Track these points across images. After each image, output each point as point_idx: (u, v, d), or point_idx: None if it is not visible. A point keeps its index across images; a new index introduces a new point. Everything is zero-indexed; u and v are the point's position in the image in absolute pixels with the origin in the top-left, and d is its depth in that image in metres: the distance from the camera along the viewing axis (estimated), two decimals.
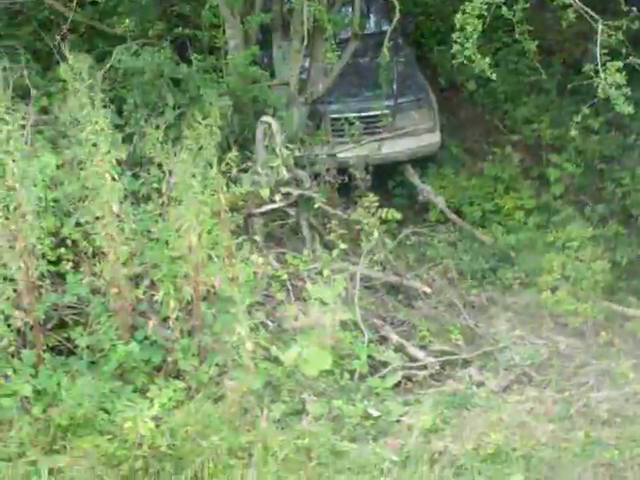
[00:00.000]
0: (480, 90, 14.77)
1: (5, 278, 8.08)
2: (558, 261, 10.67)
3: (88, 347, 8.31)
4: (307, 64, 12.63)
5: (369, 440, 7.89)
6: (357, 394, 8.51)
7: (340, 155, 12.16)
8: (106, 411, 7.79)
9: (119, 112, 10.94)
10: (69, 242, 8.82)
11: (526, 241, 12.28)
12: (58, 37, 11.22)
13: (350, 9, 13.30)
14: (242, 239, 9.57)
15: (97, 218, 8.24)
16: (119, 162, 8.53)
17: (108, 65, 11.28)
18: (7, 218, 8.02)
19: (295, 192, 10.86)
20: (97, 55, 11.88)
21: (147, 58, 11.25)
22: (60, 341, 8.49)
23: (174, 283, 8.33)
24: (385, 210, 10.51)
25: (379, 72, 12.44)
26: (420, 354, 9.50)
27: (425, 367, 9.32)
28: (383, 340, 9.65)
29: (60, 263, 8.77)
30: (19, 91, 10.54)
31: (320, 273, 9.70)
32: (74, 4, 11.88)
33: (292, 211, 10.96)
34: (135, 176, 9.85)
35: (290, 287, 9.84)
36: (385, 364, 9.16)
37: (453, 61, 10.40)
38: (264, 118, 11.16)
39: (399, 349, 9.48)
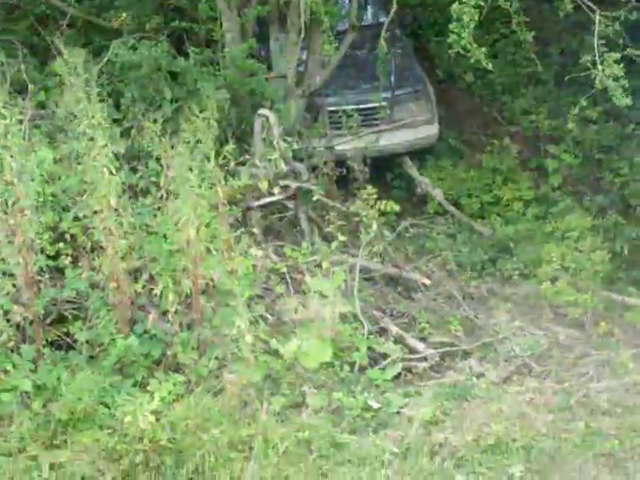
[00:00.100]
0: (478, 82, 14.77)
1: (4, 273, 8.09)
2: (557, 252, 10.66)
3: (87, 341, 8.32)
4: (304, 56, 12.62)
5: (369, 432, 7.90)
6: (357, 386, 8.51)
7: (338, 147, 12.16)
8: (106, 405, 7.79)
9: (117, 106, 10.94)
10: (68, 237, 8.83)
11: (525, 232, 12.26)
12: (58, 32, 11.22)
13: (347, 1, 13.29)
14: (241, 232, 9.57)
15: (95, 212, 8.23)
16: (117, 156, 8.52)
17: (105, 59, 11.28)
18: (6, 213, 8.02)
19: (293, 185, 10.85)
20: (94, 49, 11.87)
21: (144, 52, 11.24)
22: (59, 336, 8.48)
23: (173, 277, 8.33)
24: (384, 202, 10.50)
25: (377, 64, 12.42)
26: (420, 346, 9.50)
27: (425, 359, 9.33)
28: (383, 332, 9.64)
29: (59, 258, 8.79)
30: (16, 86, 10.54)
31: (319, 265, 9.70)
32: (74, 0, 11.85)
33: (290, 204, 10.95)
34: (133, 170, 9.85)
35: (289, 280, 9.84)
36: (385, 356, 9.16)
37: (449, 51, 10.39)
38: (261, 111, 11.15)
39: (399, 341, 9.48)
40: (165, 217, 8.51)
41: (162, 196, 8.55)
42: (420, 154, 13.51)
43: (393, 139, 12.98)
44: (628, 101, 10.01)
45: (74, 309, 8.68)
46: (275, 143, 10.75)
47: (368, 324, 9.43)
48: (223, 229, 8.57)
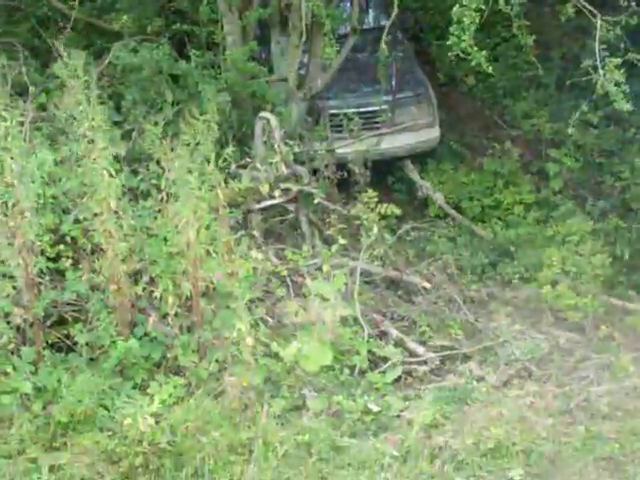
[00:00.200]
0: (479, 85, 14.78)
1: (5, 275, 8.09)
2: (558, 256, 10.67)
3: (88, 344, 8.32)
4: (306, 59, 12.62)
5: (369, 435, 7.90)
6: (357, 389, 8.51)
7: (339, 151, 12.15)
8: (106, 408, 7.79)
9: (118, 108, 10.96)
10: (68, 239, 8.82)
11: (526, 236, 12.25)
12: (59, 35, 11.24)
13: (349, 4, 13.31)
14: (241, 235, 9.58)
15: (95, 215, 8.23)
16: (118, 159, 8.53)
17: (106, 62, 11.30)
18: (6, 215, 8.02)
19: (294, 188, 10.85)
20: (95, 52, 11.90)
21: (145, 54, 11.25)
22: (60, 338, 8.48)
23: (173, 279, 8.33)
24: (384, 205, 10.49)
25: (378, 67, 12.42)
26: (420, 349, 9.50)
27: (425, 362, 9.32)
28: (383, 335, 9.64)
29: (59, 260, 8.77)
30: (17, 88, 10.57)
31: (320, 269, 9.71)
32: (76, 2, 11.86)
33: (291, 207, 10.96)
34: (134, 172, 9.85)
35: (290, 283, 9.85)
36: (385, 359, 9.15)
37: (450, 54, 10.38)
38: (263, 114, 11.16)
39: (399, 344, 9.47)
40: (165, 219, 8.51)
41: (163, 199, 8.54)
42: (421, 157, 13.52)
43: (394, 142, 12.97)
44: (629, 106, 10.02)
45: (74, 311, 8.67)
46: (276, 146, 10.75)
47: (368, 327, 9.43)
48: (223, 232, 8.57)
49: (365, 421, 8.11)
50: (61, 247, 8.78)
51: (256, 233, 10.28)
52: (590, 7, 10.38)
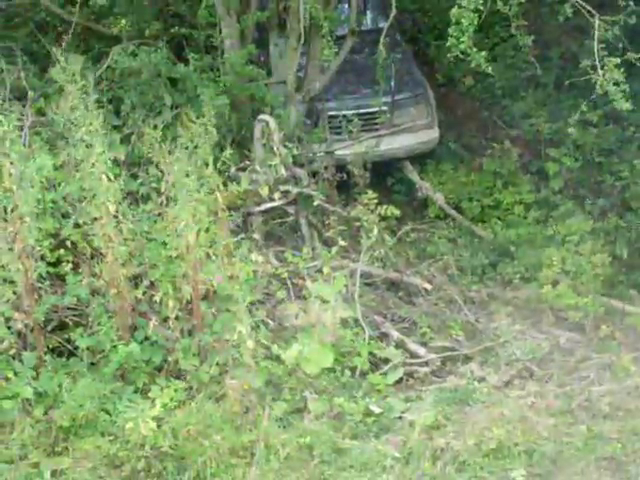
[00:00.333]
0: (478, 85, 14.77)
1: (5, 280, 8.08)
2: (558, 255, 10.67)
3: (88, 348, 8.31)
4: (304, 62, 12.62)
5: (371, 437, 7.91)
6: (358, 391, 8.51)
7: (338, 152, 12.15)
8: (107, 412, 7.80)
9: (117, 112, 10.95)
10: (68, 243, 8.82)
11: (526, 236, 12.25)
12: (61, 40, 11.23)
13: (346, 6, 13.30)
14: (241, 238, 9.58)
15: (95, 219, 8.23)
16: (117, 162, 8.53)
17: (105, 66, 11.29)
18: (5, 220, 8.02)
19: (294, 190, 10.85)
20: (94, 56, 11.89)
21: (144, 58, 11.24)
22: (60, 342, 8.47)
23: (173, 283, 8.33)
24: (384, 207, 10.49)
25: (376, 69, 12.40)
26: (421, 350, 9.50)
27: (426, 363, 9.33)
28: (384, 337, 9.64)
29: (60, 265, 8.77)
30: (16, 93, 10.56)
31: (320, 271, 9.70)
32: (77, 8, 11.85)
33: (291, 209, 10.95)
34: (133, 176, 9.84)
35: (290, 285, 9.84)
36: (386, 361, 9.16)
37: (449, 55, 10.37)
38: (262, 116, 11.16)
39: (400, 346, 9.47)
40: (165, 223, 8.51)
41: (162, 202, 8.54)
42: (420, 158, 13.51)
43: (393, 143, 12.97)
44: (628, 105, 10.01)
45: (75, 316, 8.67)
46: (275, 149, 10.74)
47: (369, 329, 9.42)
48: (223, 234, 8.57)
49: (367, 423, 8.11)
50: (61, 252, 8.77)
51: (256, 236, 10.28)
52: (588, 7, 10.37)
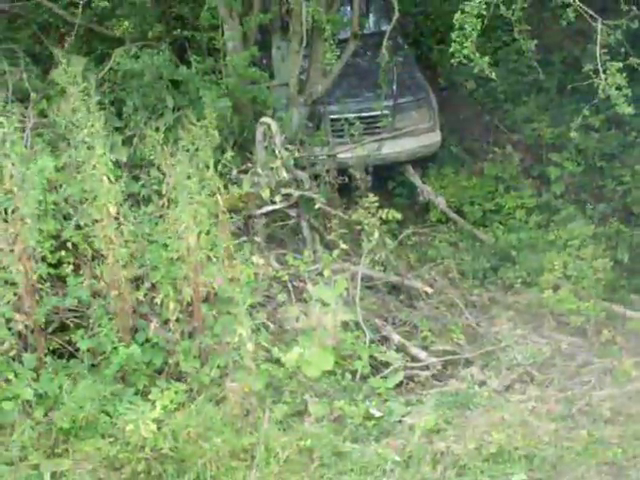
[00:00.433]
0: (480, 89, 14.76)
1: (6, 281, 8.08)
2: (559, 260, 10.68)
3: (89, 350, 8.31)
4: (306, 65, 12.61)
5: (371, 441, 7.90)
6: (359, 395, 8.50)
7: (340, 156, 12.13)
8: (108, 414, 7.80)
9: (119, 114, 10.96)
10: (69, 245, 8.82)
11: (527, 240, 12.25)
12: (63, 42, 11.25)
13: (349, 9, 13.29)
14: (243, 240, 9.57)
15: (96, 221, 8.23)
16: (119, 164, 8.53)
17: (107, 67, 11.30)
18: (6, 221, 8.02)
19: (295, 193, 10.85)
20: (96, 57, 11.89)
21: (146, 60, 11.25)
22: (61, 344, 8.47)
23: (174, 285, 8.33)
24: (386, 210, 10.49)
25: (379, 72, 12.40)
26: (422, 354, 9.49)
27: (427, 367, 9.32)
28: (385, 340, 9.63)
29: (61, 266, 8.77)
30: (18, 94, 10.58)
31: (321, 274, 9.70)
32: (79, 9, 11.86)
33: (293, 212, 10.94)
34: (135, 178, 9.85)
35: (291, 288, 9.83)
36: (387, 364, 9.15)
37: (452, 60, 10.37)
38: (264, 119, 11.15)
39: (401, 349, 9.47)
40: (166, 225, 8.51)
41: (164, 204, 8.55)
42: (422, 162, 13.50)
43: (395, 147, 12.96)
44: (631, 109, 10.01)
45: (76, 317, 8.66)
46: (277, 151, 10.75)
47: (370, 332, 9.42)
48: (224, 237, 8.57)
49: (367, 426, 8.10)
50: (62, 253, 8.77)
51: (258, 238, 10.28)
52: (591, 11, 10.37)
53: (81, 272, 8.72)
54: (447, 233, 12.53)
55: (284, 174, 10.61)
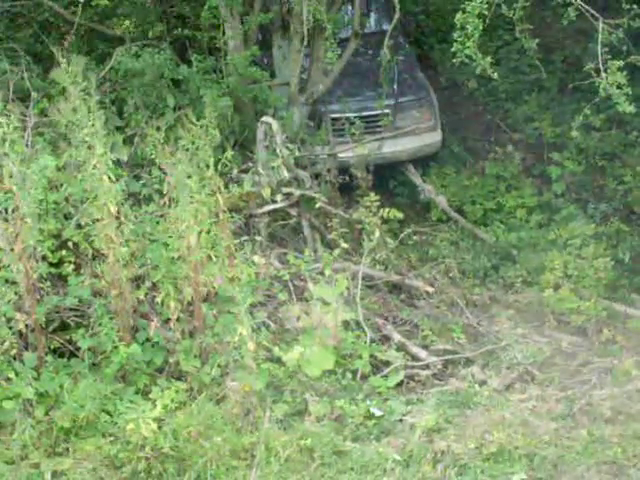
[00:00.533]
0: (481, 89, 14.77)
1: (7, 281, 8.09)
2: (560, 259, 10.67)
3: (90, 349, 8.32)
4: (307, 64, 12.62)
5: (372, 440, 7.89)
6: (360, 394, 8.50)
7: (341, 155, 12.13)
8: (108, 413, 7.80)
9: (120, 114, 10.96)
10: (70, 244, 8.83)
11: (528, 239, 12.25)
12: (64, 41, 11.25)
13: (350, 8, 13.29)
14: (243, 239, 9.58)
15: (97, 220, 8.23)
16: (120, 164, 8.53)
17: (108, 67, 11.30)
18: (6, 220, 8.03)
19: (296, 192, 10.86)
20: (97, 57, 11.90)
21: (147, 59, 11.25)
22: (62, 343, 8.48)
23: (174, 284, 8.33)
24: (386, 209, 10.51)
25: (380, 71, 12.41)
26: (422, 353, 9.49)
27: (427, 366, 9.31)
28: (385, 339, 9.63)
29: (61, 265, 8.78)
30: (19, 93, 10.57)
31: (322, 273, 9.70)
32: (79, 8, 11.86)
33: (293, 211, 10.95)
34: (136, 177, 9.85)
35: (292, 287, 9.83)
36: (387, 363, 9.15)
37: (454, 60, 10.37)
38: (264, 118, 11.16)
39: (401, 348, 9.46)
40: (167, 224, 8.51)
41: (164, 204, 8.55)
42: (423, 161, 13.51)
43: (396, 146, 12.97)
44: (632, 108, 10.00)
45: (77, 316, 8.67)
46: (278, 150, 10.77)
47: (371, 332, 9.42)
48: (224, 236, 8.58)
49: (367, 425, 8.10)
50: (63, 252, 8.79)
51: (258, 237, 10.28)
52: (592, 10, 10.36)
53: (82, 271, 8.73)
54: (448, 232, 12.53)
55: (285, 173, 10.63)
